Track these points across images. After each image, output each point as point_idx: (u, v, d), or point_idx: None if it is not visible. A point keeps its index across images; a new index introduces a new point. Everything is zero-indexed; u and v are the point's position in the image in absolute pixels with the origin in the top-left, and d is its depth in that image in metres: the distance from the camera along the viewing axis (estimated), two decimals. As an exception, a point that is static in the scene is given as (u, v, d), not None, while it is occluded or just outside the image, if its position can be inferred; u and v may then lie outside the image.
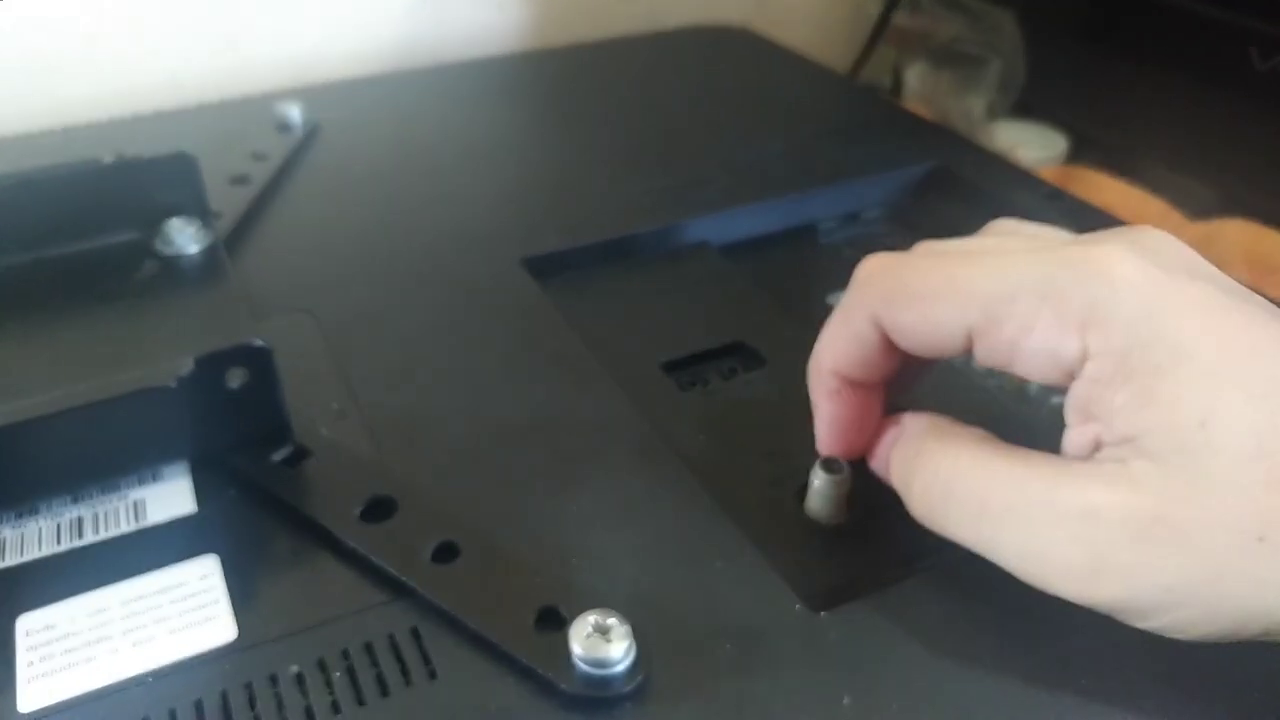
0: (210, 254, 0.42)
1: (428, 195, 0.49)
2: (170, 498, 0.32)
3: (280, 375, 0.31)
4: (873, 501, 0.31)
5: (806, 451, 0.31)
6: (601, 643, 0.25)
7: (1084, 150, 0.63)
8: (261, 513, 0.31)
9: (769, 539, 0.29)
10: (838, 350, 0.29)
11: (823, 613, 0.27)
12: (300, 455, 0.32)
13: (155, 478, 0.32)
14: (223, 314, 0.39)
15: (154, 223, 0.42)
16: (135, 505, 0.31)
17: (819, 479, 0.30)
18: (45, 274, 0.41)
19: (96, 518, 0.31)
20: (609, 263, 0.44)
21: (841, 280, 0.43)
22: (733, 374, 0.38)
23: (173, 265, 0.41)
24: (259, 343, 0.31)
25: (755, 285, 0.42)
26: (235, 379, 0.31)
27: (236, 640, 0.27)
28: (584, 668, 0.25)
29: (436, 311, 0.40)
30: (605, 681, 0.25)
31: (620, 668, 0.25)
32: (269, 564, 0.29)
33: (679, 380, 0.37)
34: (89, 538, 0.30)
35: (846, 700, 0.25)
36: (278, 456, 0.32)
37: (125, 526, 0.31)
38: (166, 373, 0.30)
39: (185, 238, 0.42)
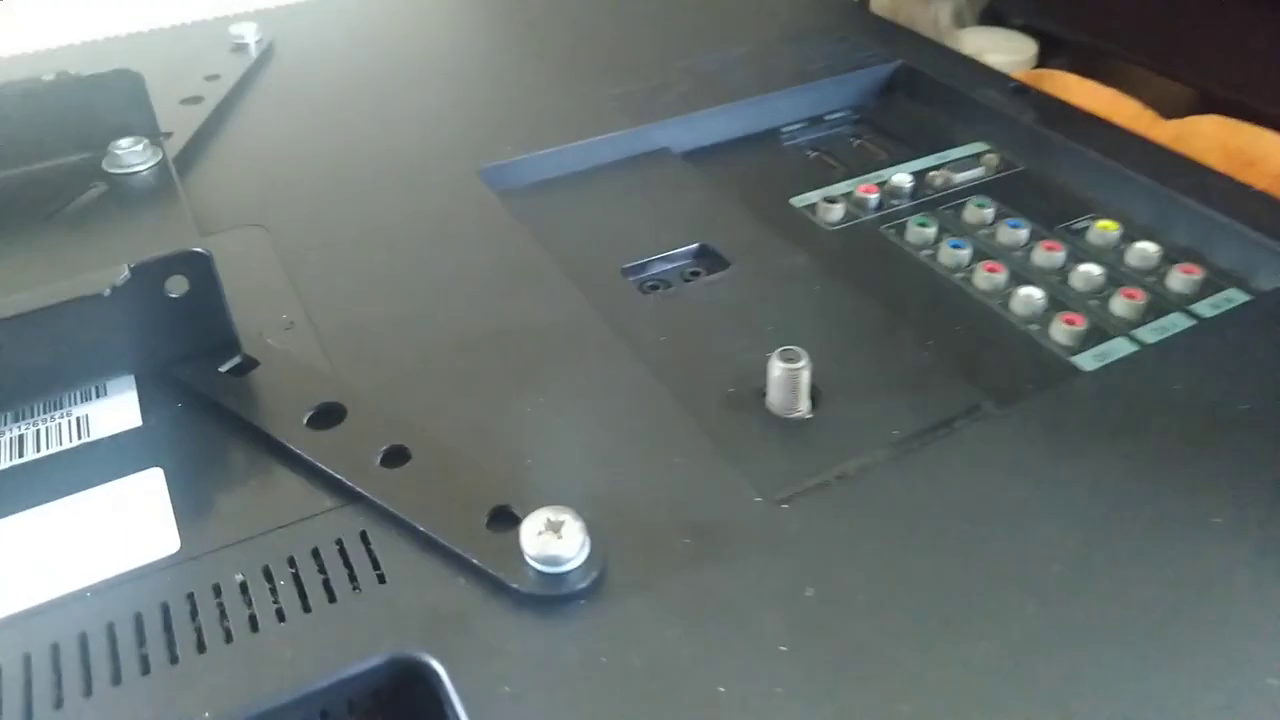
0: (160, 172, 0.41)
1: (383, 111, 0.47)
2: (115, 413, 0.31)
3: (222, 283, 0.30)
4: (834, 394, 0.30)
5: (769, 350, 0.30)
6: (553, 539, 0.24)
7: (1054, 55, 0.62)
8: (208, 424, 0.30)
9: (728, 434, 0.29)
10: None
11: (783, 504, 0.26)
12: (247, 366, 0.31)
13: (100, 393, 0.31)
14: (170, 230, 0.38)
15: (102, 143, 0.41)
16: (79, 421, 0.30)
17: (777, 369, 0.29)
18: (-13, 198, 0.39)
19: (39, 435, 0.30)
20: (568, 171, 0.42)
21: (805, 182, 0.42)
22: (694, 276, 0.37)
23: (121, 185, 0.40)
24: (198, 249, 0.30)
25: (718, 190, 0.41)
26: (176, 288, 0.30)
27: (179, 552, 0.26)
28: (536, 566, 0.24)
29: (392, 224, 0.39)
30: (558, 579, 0.24)
31: (573, 565, 0.24)
32: (215, 475, 0.28)
33: (640, 284, 0.36)
34: (30, 455, 0.29)
35: (810, 592, 0.24)
36: (224, 367, 0.31)
37: (68, 442, 0.30)
38: (100, 281, 0.28)
39: (134, 156, 0.41)
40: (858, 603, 0.24)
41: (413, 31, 0.57)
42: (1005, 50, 0.61)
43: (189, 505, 0.27)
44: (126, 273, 0.29)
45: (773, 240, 0.38)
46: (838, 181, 0.42)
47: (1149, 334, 0.33)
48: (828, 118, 0.47)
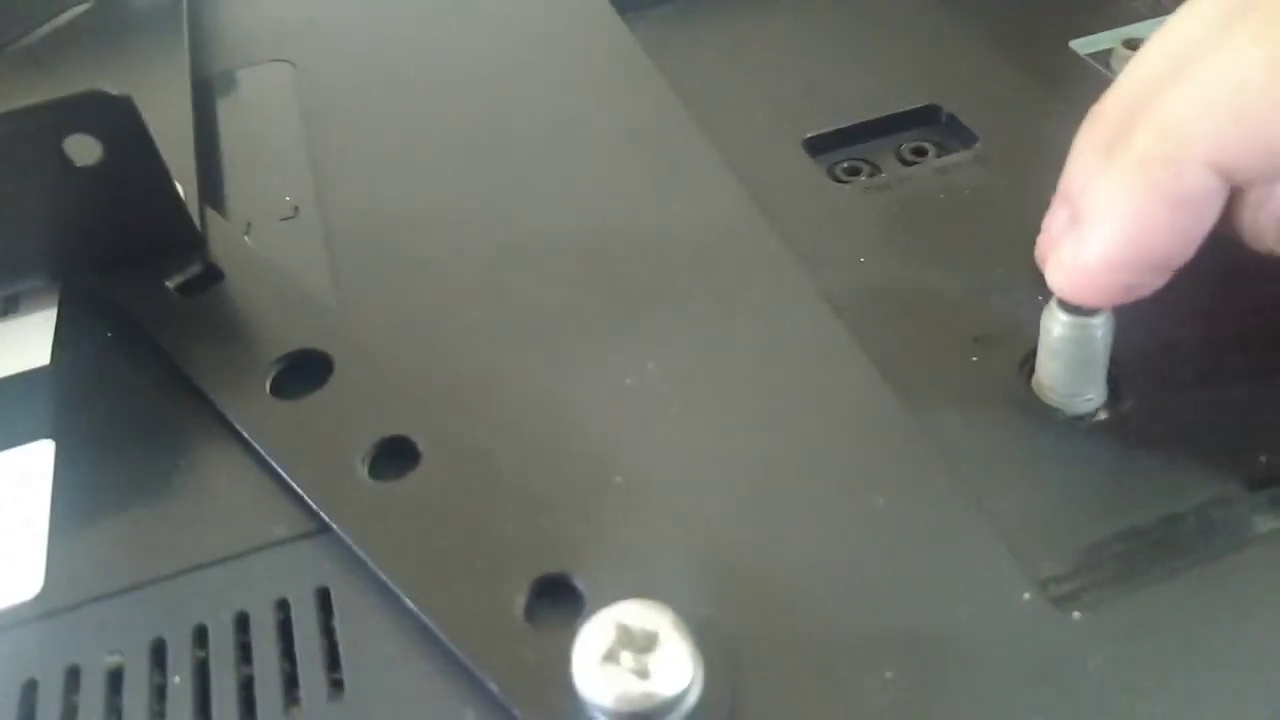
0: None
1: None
2: (18, 343, 0.21)
3: (159, 149, 0.19)
4: (1144, 376, 0.17)
5: (1042, 284, 0.17)
6: (630, 674, 0.12)
7: None
8: (136, 368, 0.19)
9: (971, 444, 0.16)
10: (1157, 241, 0.17)
11: (1075, 612, 0.14)
12: (208, 279, 0.20)
13: (11, 309, 0.21)
14: (157, 65, 0.27)
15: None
16: (-35, 353, 0.21)
17: (1059, 323, 0.16)
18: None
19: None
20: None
21: (1090, 20, 0.28)
22: (919, 157, 0.24)
23: (114, 3, 0.30)
24: (112, 92, 0.18)
25: (956, 25, 0.28)
26: (84, 153, 0.19)
27: (38, 597, 0.16)
28: (600, 716, 0.13)
29: (464, 63, 0.27)
30: (639, 748, 0.12)
31: (671, 718, 0.13)
32: (120, 462, 0.18)
33: (831, 166, 0.24)
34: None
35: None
36: (174, 281, 0.20)
37: (-62, 386, 0.20)
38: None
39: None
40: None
41: None
42: None
43: (72, 513, 0.17)
44: (-12, 126, 0.18)
45: (1046, 103, 0.24)
46: (1141, 20, 0.28)
47: None
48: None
